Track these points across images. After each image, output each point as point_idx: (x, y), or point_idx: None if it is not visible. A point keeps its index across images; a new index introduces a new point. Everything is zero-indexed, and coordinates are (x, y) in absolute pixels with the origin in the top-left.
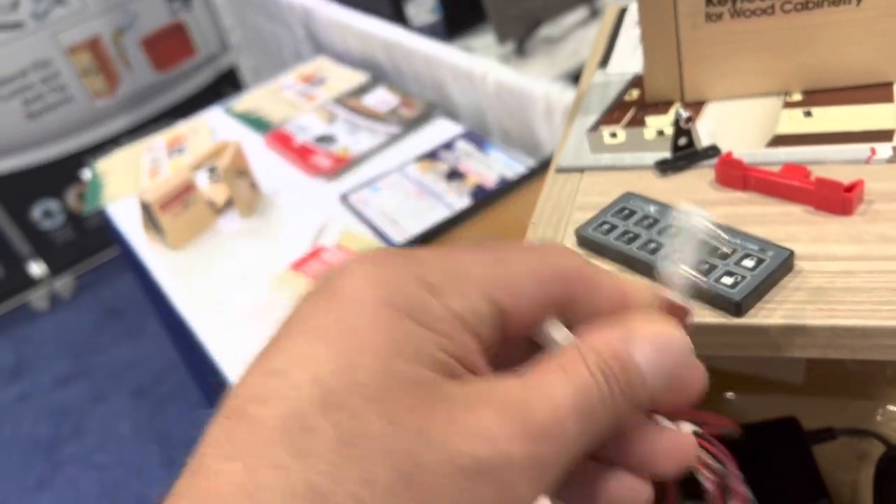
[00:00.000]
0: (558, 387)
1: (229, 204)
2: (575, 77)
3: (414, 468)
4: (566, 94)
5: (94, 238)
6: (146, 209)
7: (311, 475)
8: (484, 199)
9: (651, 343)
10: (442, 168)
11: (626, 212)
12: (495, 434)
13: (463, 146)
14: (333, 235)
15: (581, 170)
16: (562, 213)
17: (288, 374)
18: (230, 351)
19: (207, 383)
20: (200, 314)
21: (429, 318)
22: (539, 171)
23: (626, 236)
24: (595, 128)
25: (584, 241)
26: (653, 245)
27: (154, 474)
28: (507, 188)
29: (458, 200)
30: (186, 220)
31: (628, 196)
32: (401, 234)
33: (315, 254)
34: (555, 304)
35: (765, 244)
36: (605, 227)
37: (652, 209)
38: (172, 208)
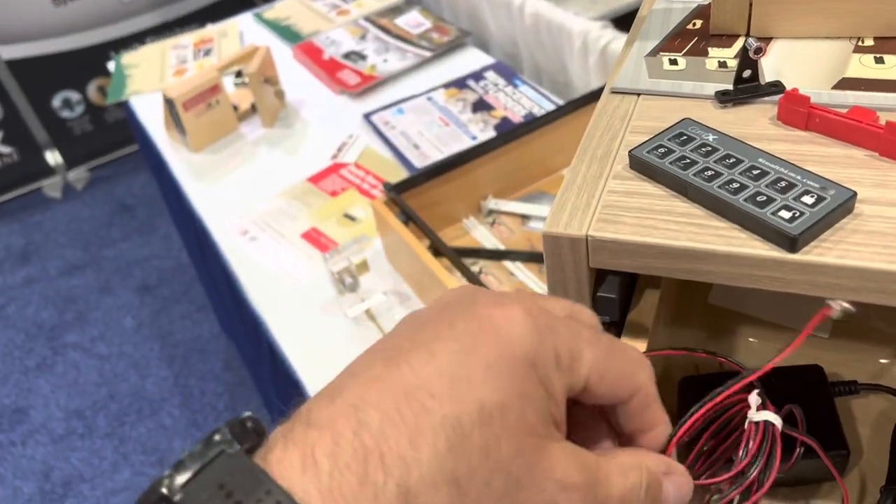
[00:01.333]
0: (618, 479)
1: (252, 110)
2: (614, 20)
3: (518, 486)
4: (605, 34)
5: (112, 133)
6: (170, 105)
7: (458, 467)
8: (503, 134)
9: (679, 483)
10: (469, 98)
11: (684, 137)
12: (572, 485)
13: (492, 77)
14: (354, 153)
15: (637, 93)
16: (615, 133)
17: (456, 383)
18: (243, 254)
19: (216, 285)
20: (217, 218)
21: (552, 386)
22: (568, 109)
23: (681, 162)
24: (654, 53)
25: (638, 163)
26: (709, 173)
27: (153, 371)
28: (533, 124)
29: (483, 132)
30: (209, 122)
31: (687, 122)
32: (422, 159)
33: (334, 169)
34: (619, 401)
35: (826, 182)
36: (661, 150)
37: (711, 137)
38: (196, 107)
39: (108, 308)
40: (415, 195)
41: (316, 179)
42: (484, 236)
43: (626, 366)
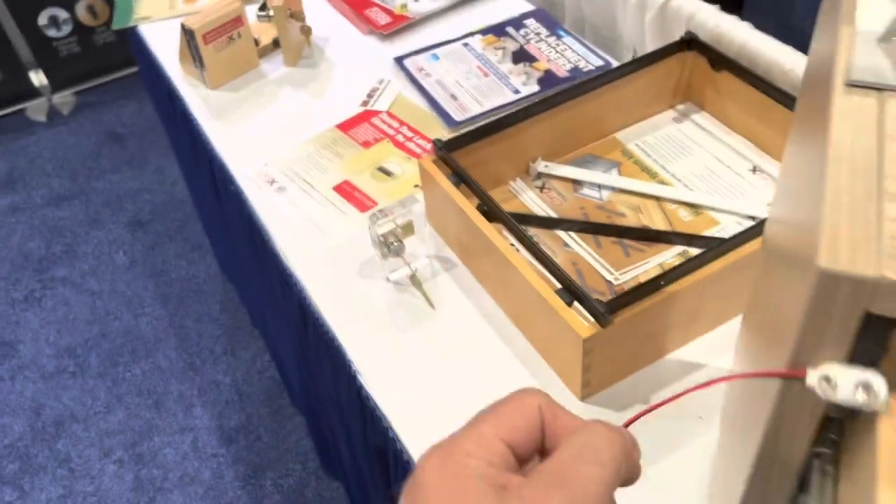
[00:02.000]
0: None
1: (274, 46)
2: None
3: None
4: None
5: (100, 56)
6: (189, 37)
7: None
8: (556, 93)
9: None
10: (509, 46)
11: None
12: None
13: (533, 26)
14: (386, 100)
15: (880, 88)
16: (870, 140)
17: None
18: (271, 205)
19: (230, 231)
20: (239, 163)
21: (476, 464)
22: (627, 69)
23: None
24: (888, 39)
25: None
26: None
27: (147, 309)
28: (589, 84)
29: (525, 86)
30: (229, 57)
31: None
32: (461, 112)
33: (365, 117)
34: (539, 427)
35: None
36: None
37: None
38: (217, 40)
39: (98, 242)
40: (461, 154)
41: (346, 127)
42: (533, 201)
43: (523, 403)
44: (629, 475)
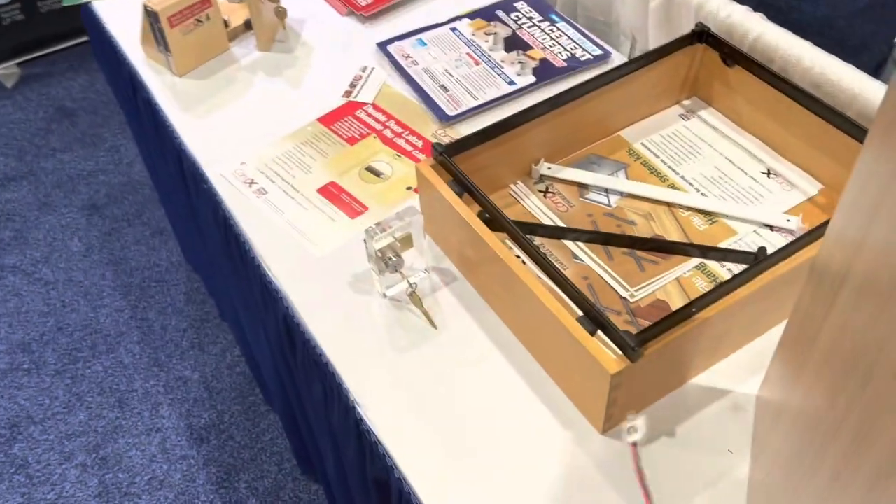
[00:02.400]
0: None
1: (246, 28)
2: None
3: None
4: None
5: (47, 25)
6: (152, 19)
7: None
8: (560, 92)
9: None
10: (500, 32)
11: None
12: None
13: (524, 9)
14: (370, 91)
15: None
16: None
17: None
18: (251, 208)
19: (201, 231)
20: (213, 159)
21: None
22: (637, 65)
23: None
24: None
25: None
26: None
27: (106, 300)
28: (596, 82)
29: (521, 77)
30: (197, 41)
31: None
32: (453, 105)
33: (348, 109)
34: None
35: None
36: None
37: None
38: (184, 23)
39: (50, 227)
40: (461, 158)
41: (328, 121)
42: (536, 207)
43: None
44: None
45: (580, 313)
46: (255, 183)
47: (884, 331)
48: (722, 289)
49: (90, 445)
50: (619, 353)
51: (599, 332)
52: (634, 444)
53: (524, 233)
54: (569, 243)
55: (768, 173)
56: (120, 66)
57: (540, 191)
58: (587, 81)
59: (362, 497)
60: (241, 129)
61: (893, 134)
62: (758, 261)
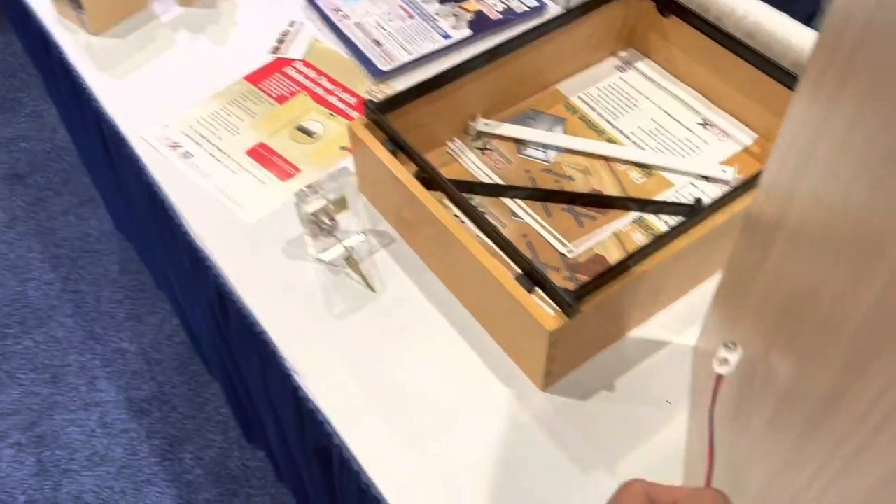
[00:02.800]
0: None
1: None
2: None
3: None
4: None
5: None
6: None
7: None
8: (495, 45)
9: None
10: None
11: None
12: None
13: None
14: (300, 47)
15: None
16: None
17: None
18: (176, 173)
19: (126, 197)
20: (133, 122)
21: None
22: (568, 16)
23: None
24: None
25: None
26: None
27: (35, 273)
28: (525, 36)
29: (456, 30)
30: None
31: None
32: (387, 60)
33: (276, 66)
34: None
35: None
36: None
37: None
38: None
39: None
40: (396, 116)
41: (255, 79)
42: (474, 164)
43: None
44: None
45: (519, 272)
46: (180, 146)
47: (814, 280)
48: (658, 242)
49: (25, 423)
50: (558, 309)
51: (538, 290)
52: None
53: (462, 192)
54: (507, 201)
55: (704, 124)
56: (29, 25)
57: (477, 148)
58: (523, 33)
59: (305, 464)
60: (163, 90)
61: (823, 83)
62: (693, 213)
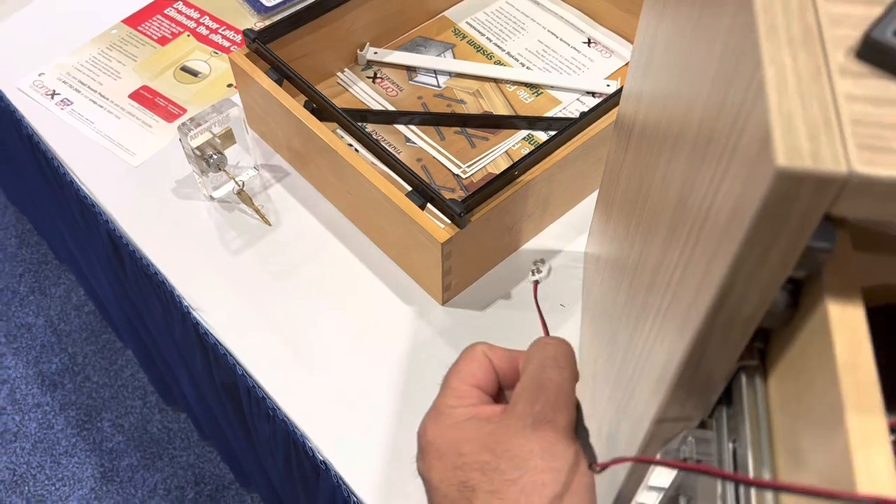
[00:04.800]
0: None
1: None
2: None
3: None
4: None
5: None
6: None
7: None
8: None
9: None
10: None
11: None
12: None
13: None
14: None
15: None
16: (804, 4)
17: None
18: (55, 122)
19: (7, 155)
20: (6, 73)
21: (462, 411)
22: None
23: None
24: None
25: (881, 52)
26: None
27: None
28: None
29: None
30: None
31: None
32: None
33: (157, 7)
34: (490, 366)
35: None
36: None
37: None
38: None
39: None
40: (278, 46)
41: (134, 22)
42: (366, 93)
43: (477, 366)
44: (578, 372)
45: (409, 189)
46: (58, 94)
47: (652, 173)
48: (539, 150)
49: None
50: (448, 222)
51: (430, 206)
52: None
53: (354, 120)
54: (401, 127)
55: (588, 42)
56: None
57: (368, 77)
58: None
59: (218, 407)
60: (36, 38)
61: None
62: (573, 123)
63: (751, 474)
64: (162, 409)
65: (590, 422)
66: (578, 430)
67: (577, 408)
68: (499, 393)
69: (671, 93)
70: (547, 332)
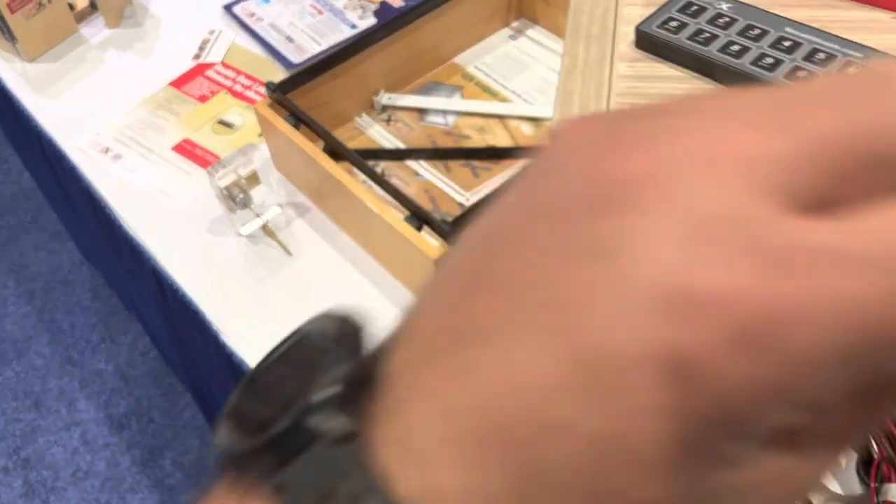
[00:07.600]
0: None
1: (92, 9)
2: None
3: None
4: None
5: None
6: None
7: None
8: (397, 19)
9: None
10: None
11: (695, 8)
12: None
13: None
14: (219, 51)
15: None
16: (606, 6)
17: None
18: (107, 175)
19: (76, 211)
20: (69, 135)
21: None
22: None
23: (700, 36)
24: None
25: (647, 41)
26: (736, 48)
27: (10, 309)
28: (421, 9)
29: (362, 20)
30: (42, 25)
31: None
32: (298, 53)
33: (198, 71)
34: None
35: (869, 51)
36: (673, 24)
37: (725, 6)
38: (24, 7)
39: None
40: (299, 95)
41: (179, 84)
42: (380, 135)
43: None
44: None
45: (408, 214)
46: (110, 150)
47: None
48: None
49: (10, 449)
50: (441, 240)
51: (426, 228)
52: None
53: (367, 159)
54: (411, 163)
55: None
56: None
57: (383, 120)
58: (417, 6)
59: None
60: (95, 104)
61: None
62: None
63: None
64: None
65: None
66: None
67: None
68: None
69: None
70: None
